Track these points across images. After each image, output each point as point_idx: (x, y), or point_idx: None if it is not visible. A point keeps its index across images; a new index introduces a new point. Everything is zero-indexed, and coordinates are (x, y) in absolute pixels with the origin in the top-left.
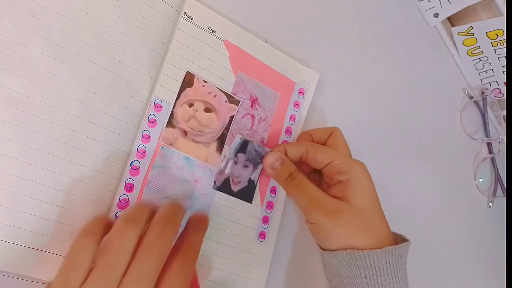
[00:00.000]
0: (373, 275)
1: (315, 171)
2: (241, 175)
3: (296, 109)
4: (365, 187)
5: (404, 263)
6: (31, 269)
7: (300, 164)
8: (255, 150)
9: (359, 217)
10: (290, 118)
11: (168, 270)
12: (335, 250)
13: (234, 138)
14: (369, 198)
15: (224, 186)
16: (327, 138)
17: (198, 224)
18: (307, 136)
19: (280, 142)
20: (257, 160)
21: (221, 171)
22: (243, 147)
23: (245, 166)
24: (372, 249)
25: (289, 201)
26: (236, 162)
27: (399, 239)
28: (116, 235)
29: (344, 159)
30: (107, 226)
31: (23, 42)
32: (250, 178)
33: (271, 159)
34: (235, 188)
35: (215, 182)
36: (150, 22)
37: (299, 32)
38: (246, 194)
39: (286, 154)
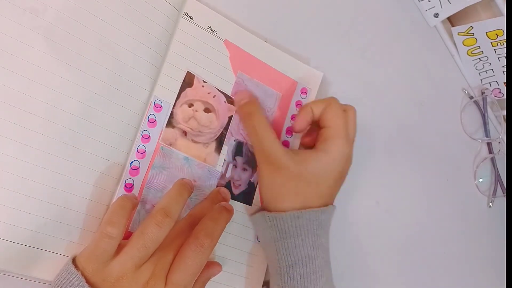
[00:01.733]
0: (279, 237)
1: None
2: (241, 178)
3: (298, 109)
4: (327, 163)
5: (317, 229)
6: (30, 268)
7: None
8: (250, 152)
9: (291, 181)
10: (292, 118)
11: (181, 259)
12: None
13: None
14: (321, 171)
15: None
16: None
17: (221, 213)
18: (309, 110)
19: (280, 142)
20: (254, 162)
21: (223, 175)
22: (239, 149)
23: (244, 169)
24: (280, 212)
25: None
26: (235, 166)
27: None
28: (153, 224)
29: (337, 131)
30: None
31: (24, 41)
32: (250, 181)
33: (238, 96)
34: (236, 191)
35: (217, 187)
36: (151, 22)
37: (300, 32)
38: (247, 197)
39: (312, 111)
